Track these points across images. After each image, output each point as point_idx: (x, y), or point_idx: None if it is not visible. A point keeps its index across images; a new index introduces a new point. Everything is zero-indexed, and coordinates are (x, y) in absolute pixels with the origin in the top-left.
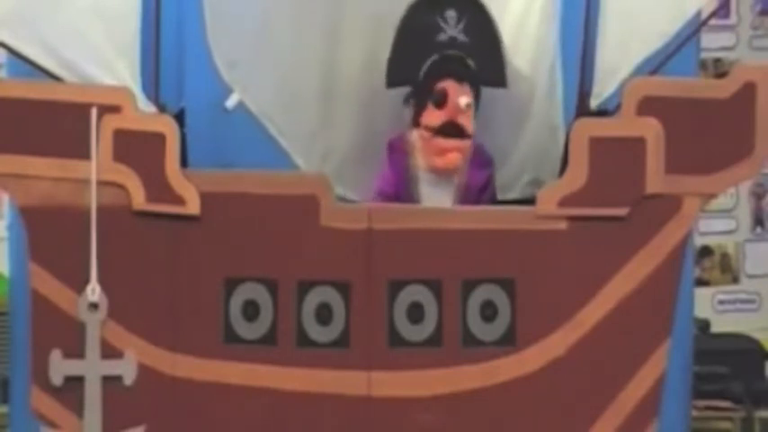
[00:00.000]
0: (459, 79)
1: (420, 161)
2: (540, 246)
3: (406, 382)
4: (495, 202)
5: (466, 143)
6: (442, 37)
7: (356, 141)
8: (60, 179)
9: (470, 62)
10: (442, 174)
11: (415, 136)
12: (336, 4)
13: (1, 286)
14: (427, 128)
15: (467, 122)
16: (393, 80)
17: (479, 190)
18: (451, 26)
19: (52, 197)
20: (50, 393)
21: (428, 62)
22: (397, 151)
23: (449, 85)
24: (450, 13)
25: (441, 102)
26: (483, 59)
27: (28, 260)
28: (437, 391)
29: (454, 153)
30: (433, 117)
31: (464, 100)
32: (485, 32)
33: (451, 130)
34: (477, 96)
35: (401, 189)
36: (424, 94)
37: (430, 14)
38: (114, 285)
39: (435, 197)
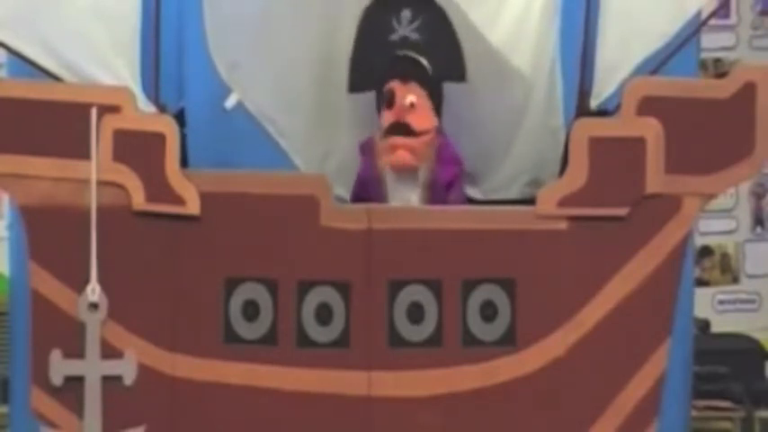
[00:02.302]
0: (404, 79)
1: (384, 162)
2: (540, 246)
3: (406, 382)
4: (464, 199)
5: (416, 140)
6: (394, 37)
7: (355, 142)
8: (60, 179)
9: (422, 60)
10: (402, 173)
11: (378, 137)
12: (335, 6)
13: (1, 286)
14: (381, 129)
15: (414, 121)
16: (353, 86)
17: (446, 187)
18: (404, 26)
19: (52, 197)
20: (50, 393)
21: (381, 64)
22: (366, 153)
23: (395, 85)
24: (405, 14)
25: (389, 103)
26: (438, 56)
27: (28, 260)
28: (437, 391)
29: (401, 150)
30: (385, 118)
31: (408, 99)
32: (439, 29)
33: (399, 129)
34: (435, 94)
35: (370, 191)
36: (380, 97)
37: (385, 15)
38: (114, 285)
39: (402, 196)
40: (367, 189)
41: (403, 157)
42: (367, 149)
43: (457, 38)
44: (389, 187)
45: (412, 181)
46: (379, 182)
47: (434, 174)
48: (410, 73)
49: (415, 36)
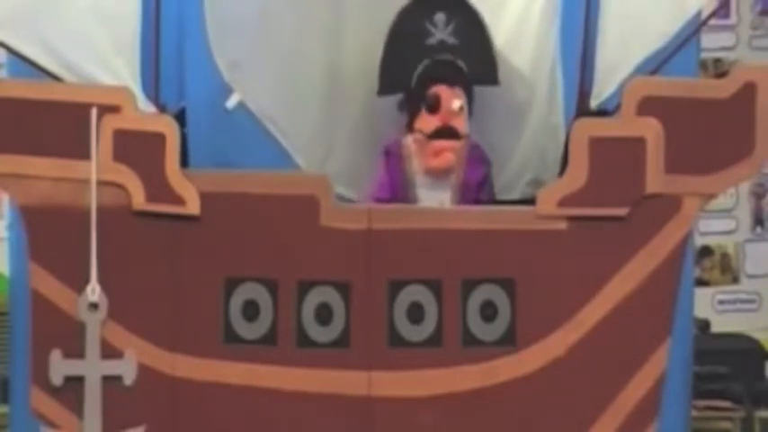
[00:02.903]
0: (451, 83)
1: (416, 165)
2: (540, 246)
3: (406, 382)
4: (493, 199)
5: (459, 143)
6: (432, 41)
7: (357, 142)
8: (60, 179)
9: (461, 64)
10: (438, 175)
11: (410, 140)
12: (337, 5)
13: (1, 286)
14: (422, 132)
15: (460, 125)
16: (385, 88)
17: (477, 187)
18: (440, 29)
19: (52, 197)
20: (50, 393)
21: (419, 67)
22: (393, 156)
23: (441, 89)
24: (440, 17)
25: (434, 107)
26: (474, 60)
27: (28, 260)
28: (437, 391)
29: (448, 153)
30: (427, 122)
31: (456, 103)
32: (474, 33)
33: (445, 133)
34: (470, 96)
35: (397, 194)
36: (417, 100)
37: (419, 19)
38: (114, 285)
39: (433, 200)
40: (392, 194)
41: (450, 159)
42: (393, 152)
43: (491, 41)
44: (420, 192)
45: (446, 184)
46: (408, 185)
47: (466, 175)
48: (455, 78)
49: (452, 40)
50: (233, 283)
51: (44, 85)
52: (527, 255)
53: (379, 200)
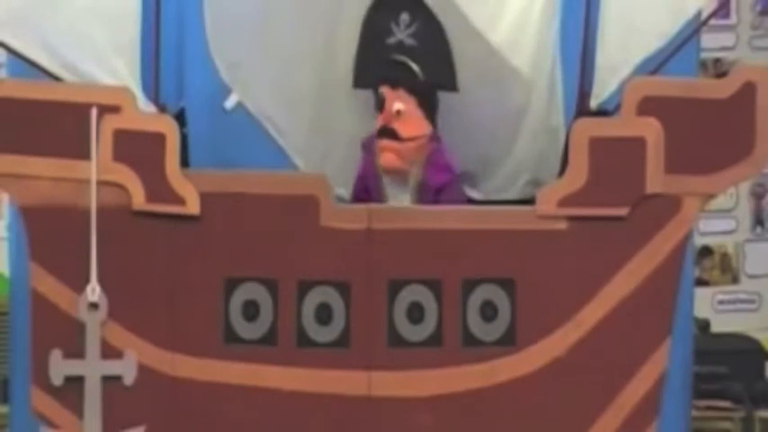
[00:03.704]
0: (393, 85)
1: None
2: (540, 246)
3: (406, 382)
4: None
5: (402, 145)
6: (391, 40)
7: (355, 143)
8: (60, 179)
9: (415, 67)
10: (391, 175)
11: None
12: (336, 6)
13: (1, 286)
14: (376, 129)
15: (401, 127)
16: (356, 82)
17: (436, 191)
18: (402, 29)
19: (52, 197)
20: (50, 393)
21: (374, 66)
22: (368, 151)
23: (385, 90)
24: (404, 17)
25: (380, 107)
26: (431, 63)
27: (28, 260)
28: (437, 391)
29: (387, 153)
30: (378, 120)
31: (396, 106)
32: (433, 37)
33: (386, 133)
34: (428, 99)
35: (369, 185)
36: (376, 98)
37: (386, 17)
38: (114, 285)
39: (396, 196)
40: (367, 185)
41: (389, 159)
42: (368, 147)
43: (449, 47)
44: (386, 186)
45: (403, 183)
46: (378, 179)
47: (424, 178)
48: (400, 79)
49: (410, 41)
50: (233, 283)
51: (44, 85)
52: (527, 255)
53: (354, 189)
